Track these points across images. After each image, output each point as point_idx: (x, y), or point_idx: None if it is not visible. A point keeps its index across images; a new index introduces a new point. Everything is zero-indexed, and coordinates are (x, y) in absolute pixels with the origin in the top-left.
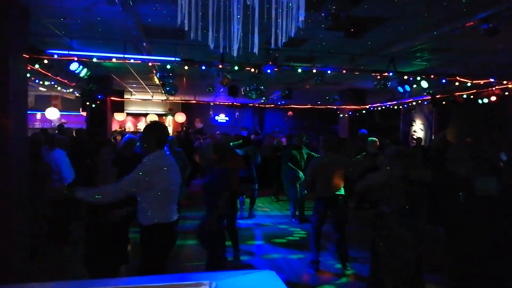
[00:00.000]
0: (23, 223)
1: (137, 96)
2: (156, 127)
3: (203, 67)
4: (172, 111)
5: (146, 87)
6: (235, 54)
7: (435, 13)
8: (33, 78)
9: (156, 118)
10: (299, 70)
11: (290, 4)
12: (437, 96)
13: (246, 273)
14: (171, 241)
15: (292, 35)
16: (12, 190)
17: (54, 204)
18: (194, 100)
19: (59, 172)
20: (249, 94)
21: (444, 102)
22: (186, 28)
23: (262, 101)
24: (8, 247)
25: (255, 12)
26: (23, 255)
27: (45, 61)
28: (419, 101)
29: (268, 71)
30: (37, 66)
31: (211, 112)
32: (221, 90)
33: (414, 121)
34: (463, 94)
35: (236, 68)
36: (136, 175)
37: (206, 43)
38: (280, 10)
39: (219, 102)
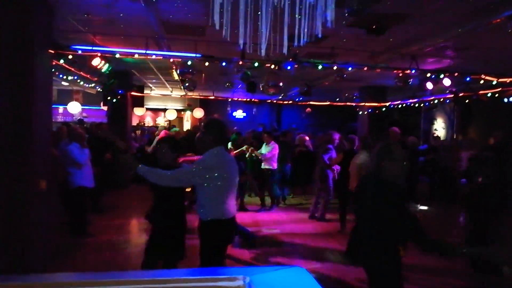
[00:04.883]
0: (47, 216)
1: (157, 92)
2: (218, 124)
3: (223, 63)
4: (190, 107)
5: (165, 82)
6: (263, 53)
7: (459, 10)
8: (56, 73)
9: (175, 114)
10: (320, 67)
11: (317, 4)
12: (459, 95)
13: (277, 269)
14: (227, 237)
15: (320, 36)
16: (36, 183)
17: (73, 197)
18: (213, 96)
19: (69, 164)
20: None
21: (467, 101)
22: (217, 28)
23: (280, 97)
24: (32, 240)
25: (285, 11)
26: (46, 248)
27: (70, 57)
28: (441, 99)
29: (288, 67)
30: (61, 61)
31: (228, 108)
32: (239, 86)
33: (435, 119)
34: (487, 93)
35: (256, 64)
36: (194, 168)
37: (226, 40)
38: (305, 9)
39: (237, 98)
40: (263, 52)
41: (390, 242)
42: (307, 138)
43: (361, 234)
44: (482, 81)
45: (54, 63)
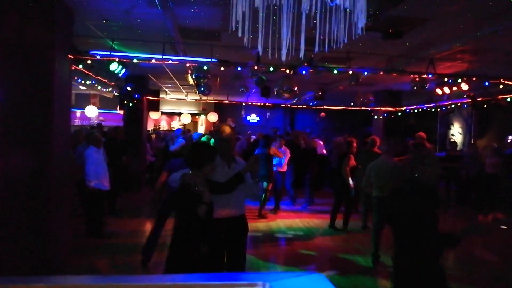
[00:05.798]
0: (64, 218)
1: (172, 96)
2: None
3: (239, 68)
4: (205, 111)
5: (180, 87)
6: (283, 58)
7: (478, 14)
8: (75, 78)
9: (189, 118)
10: (335, 72)
11: (349, 10)
12: (477, 99)
13: (297, 275)
14: None
15: (345, 41)
16: (55, 184)
17: (89, 199)
18: (227, 100)
19: (84, 168)
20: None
21: (485, 105)
22: (240, 35)
23: (294, 101)
24: (51, 239)
25: (302, 17)
26: (65, 247)
27: (88, 62)
28: (458, 104)
29: (303, 72)
30: (80, 66)
31: (242, 112)
32: (253, 90)
33: (452, 124)
34: (506, 97)
35: (271, 69)
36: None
37: (241, 44)
38: (331, 15)
39: (251, 103)
40: (283, 57)
41: (433, 251)
42: (321, 142)
43: (399, 247)
44: (501, 86)
45: (73, 68)
